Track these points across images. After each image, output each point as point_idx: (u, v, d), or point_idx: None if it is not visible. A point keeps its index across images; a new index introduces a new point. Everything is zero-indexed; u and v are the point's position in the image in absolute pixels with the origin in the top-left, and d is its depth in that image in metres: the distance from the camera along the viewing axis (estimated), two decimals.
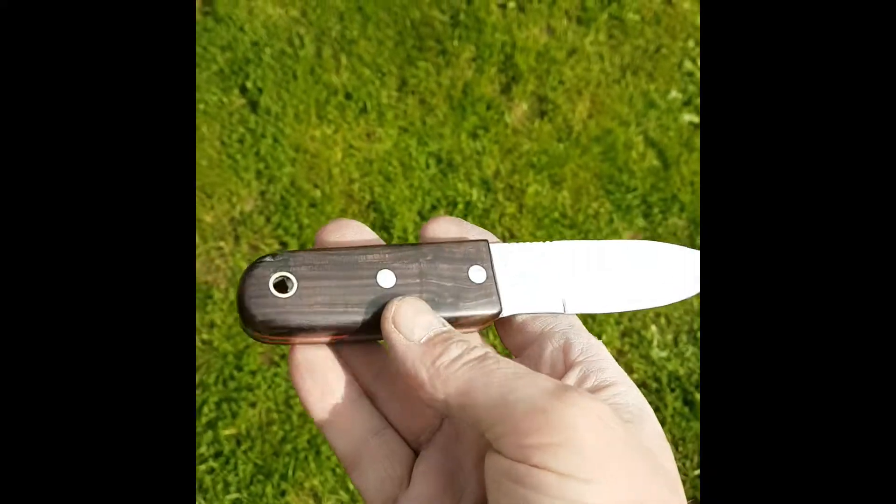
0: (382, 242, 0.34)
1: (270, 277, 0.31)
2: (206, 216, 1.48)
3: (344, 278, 0.32)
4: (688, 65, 1.74)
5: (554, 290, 0.34)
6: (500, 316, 0.33)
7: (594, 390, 0.30)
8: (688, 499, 0.26)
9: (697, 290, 0.35)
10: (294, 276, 0.31)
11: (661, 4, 1.83)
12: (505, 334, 0.35)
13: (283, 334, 0.31)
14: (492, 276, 0.33)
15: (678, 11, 1.82)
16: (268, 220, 1.48)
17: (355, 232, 0.34)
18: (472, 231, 0.34)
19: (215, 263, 1.44)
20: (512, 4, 1.79)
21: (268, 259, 0.31)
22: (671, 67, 1.73)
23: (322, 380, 0.32)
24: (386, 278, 0.32)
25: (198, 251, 1.44)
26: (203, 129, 1.57)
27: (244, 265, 1.43)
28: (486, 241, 0.34)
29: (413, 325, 0.30)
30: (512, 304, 0.33)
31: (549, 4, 1.79)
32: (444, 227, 0.35)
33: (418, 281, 0.32)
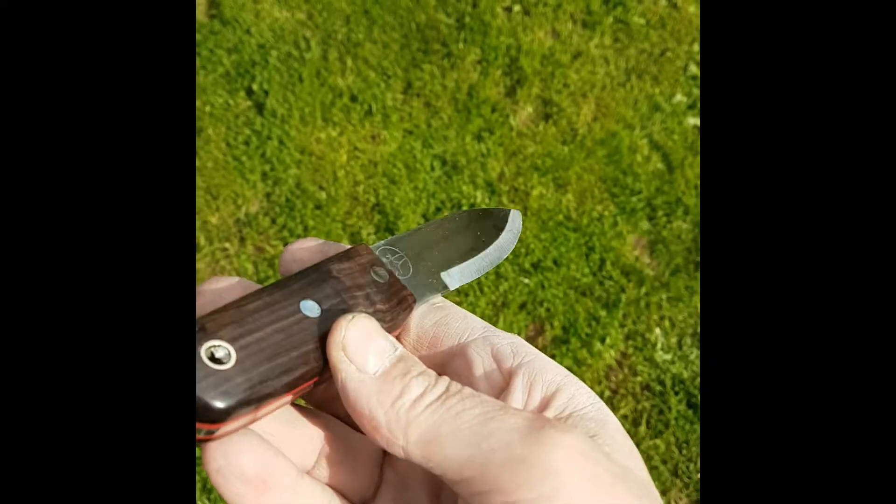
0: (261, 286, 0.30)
1: (200, 352, 0.26)
2: (211, 217, 1.49)
3: (273, 322, 0.27)
4: (692, 68, 1.74)
5: (433, 273, 0.33)
6: (415, 306, 0.32)
7: (546, 401, 0.29)
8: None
9: (515, 235, 0.36)
10: (224, 340, 0.26)
11: (665, 8, 1.83)
12: (416, 354, 0.32)
13: (231, 415, 0.26)
14: (388, 271, 0.31)
15: (683, 15, 1.82)
16: (273, 221, 1.49)
17: (232, 285, 0.30)
18: (332, 245, 0.33)
19: (220, 265, 1.44)
20: (517, 8, 1.79)
21: None
22: (676, 71, 1.74)
23: (255, 478, 0.27)
24: (310, 308, 0.28)
25: (203, 252, 1.45)
26: (209, 131, 1.58)
27: (249, 266, 1.44)
28: (364, 244, 0.32)
29: (366, 352, 0.27)
30: (417, 297, 0.32)
31: (554, 8, 1.80)
32: (306, 247, 0.32)
33: (340, 299, 0.29)
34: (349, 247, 0.32)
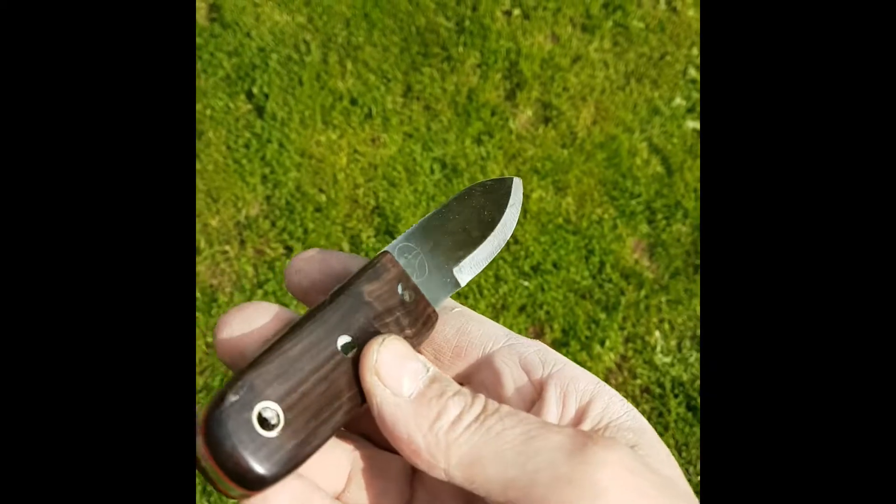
0: (292, 311, 0.30)
1: (251, 417, 0.25)
2: (211, 220, 1.49)
3: (315, 369, 0.27)
4: (692, 72, 1.75)
5: (446, 270, 0.32)
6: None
7: (581, 412, 0.29)
8: None
9: (517, 202, 0.35)
10: (272, 400, 0.26)
11: (665, 12, 1.84)
12: (439, 364, 0.32)
13: (279, 480, 0.26)
14: (413, 285, 0.31)
15: (682, 19, 1.82)
16: (273, 224, 1.49)
17: (258, 313, 0.29)
18: (333, 255, 0.32)
19: (220, 267, 1.45)
20: (517, 12, 1.80)
21: (232, 398, 0.25)
22: (675, 75, 1.74)
23: None
24: (347, 344, 0.28)
25: (203, 255, 1.45)
26: (209, 134, 1.58)
27: (249, 269, 1.44)
28: (388, 253, 0.31)
29: (399, 375, 0.27)
30: (433, 302, 0.31)
31: (553, 12, 1.80)
32: (307, 258, 0.32)
33: (374, 329, 0.29)
34: (378, 257, 0.31)
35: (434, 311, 0.31)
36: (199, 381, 1.31)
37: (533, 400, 0.30)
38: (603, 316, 1.41)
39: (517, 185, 0.36)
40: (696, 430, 1.30)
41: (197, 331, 1.35)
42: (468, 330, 0.32)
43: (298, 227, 1.48)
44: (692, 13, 1.83)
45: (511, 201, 0.35)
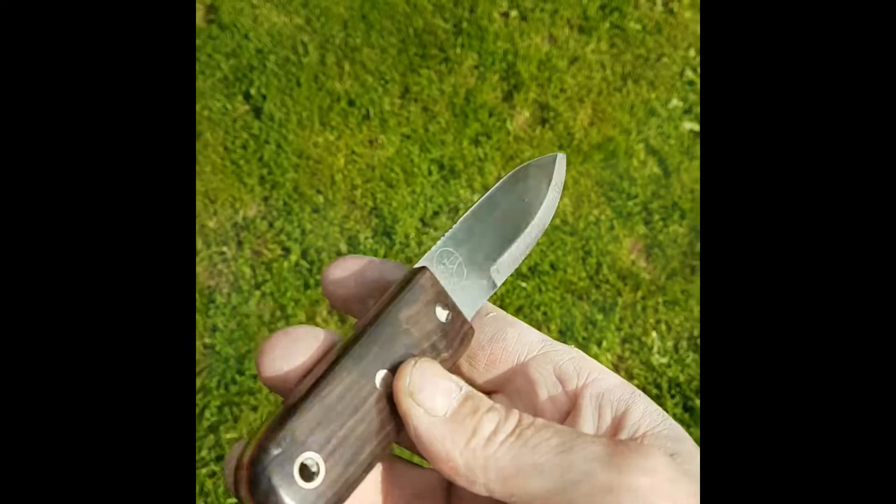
0: (334, 333, 0.30)
1: (293, 471, 0.26)
2: (209, 221, 1.49)
3: (354, 410, 0.27)
4: (689, 73, 1.75)
5: (484, 271, 0.32)
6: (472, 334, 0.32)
7: (618, 422, 0.29)
8: None
9: (560, 182, 0.34)
10: (313, 450, 0.26)
11: (662, 14, 1.84)
12: (473, 371, 0.32)
13: None
14: (452, 304, 0.31)
15: (679, 21, 1.83)
16: (270, 225, 1.49)
17: (303, 339, 0.29)
18: (376, 264, 0.32)
19: (218, 268, 1.45)
20: (514, 13, 1.80)
21: (275, 451, 0.25)
22: (672, 76, 1.74)
23: None
24: (385, 379, 0.28)
25: (201, 256, 1.45)
26: (207, 135, 1.58)
27: (247, 270, 1.44)
28: (424, 267, 0.31)
29: (433, 395, 0.27)
30: (468, 310, 0.31)
31: (550, 13, 1.81)
32: (342, 275, 0.31)
33: (412, 356, 0.29)
34: (413, 274, 0.30)
35: (471, 327, 0.31)
36: (198, 381, 1.31)
37: (567, 410, 0.30)
38: (600, 317, 1.41)
39: (560, 163, 0.35)
40: (693, 431, 1.30)
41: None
42: (503, 337, 0.32)
43: (296, 228, 1.48)
44: (689, 15, 1.84)
45: (554, 181, 0.35)
